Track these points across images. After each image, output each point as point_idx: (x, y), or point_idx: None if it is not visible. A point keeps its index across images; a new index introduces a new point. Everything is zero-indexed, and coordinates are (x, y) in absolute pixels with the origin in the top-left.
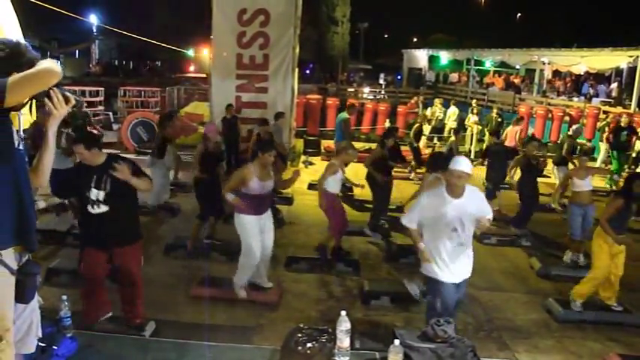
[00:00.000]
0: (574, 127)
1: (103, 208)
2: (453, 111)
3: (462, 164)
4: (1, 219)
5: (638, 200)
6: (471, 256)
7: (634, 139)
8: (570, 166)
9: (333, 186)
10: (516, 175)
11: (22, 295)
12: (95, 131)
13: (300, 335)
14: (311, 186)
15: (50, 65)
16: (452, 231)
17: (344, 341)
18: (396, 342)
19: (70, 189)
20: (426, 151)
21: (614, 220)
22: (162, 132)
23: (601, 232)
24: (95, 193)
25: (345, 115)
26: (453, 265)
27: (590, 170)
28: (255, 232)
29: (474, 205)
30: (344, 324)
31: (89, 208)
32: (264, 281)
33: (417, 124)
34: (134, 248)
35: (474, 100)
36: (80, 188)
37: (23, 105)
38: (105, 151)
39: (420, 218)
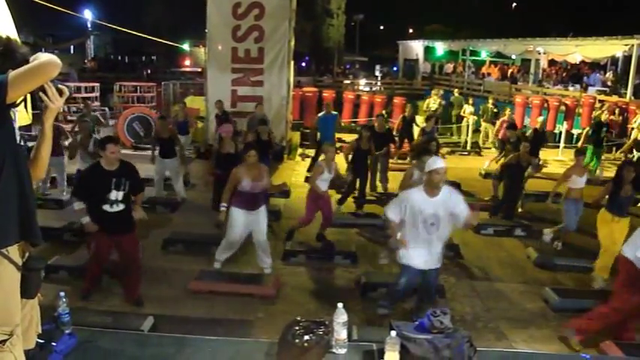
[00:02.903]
0: (539, 118)
1: (121, 207)
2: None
3: (437, 162)
4: (8, 215)
5: (629, 183)
6: (440, 250)
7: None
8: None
9: (320, 185)
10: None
11: (27, 291)
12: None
13: (297, 328)
14: (307, 179)
15: (50, 58)
16: (430, 225)
17: (341, 333)
18: (393, 333)
19: (89, 192)
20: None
21: (614, 205)
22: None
23: (601, 213)
24: (115, 194)
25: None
26: (424, 253)
27: (584, 169)
28: (237, 224)
29: (450, 202)
30: (341, 316)
31: (107, 207)
32: (265, 267)
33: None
34: (134, 235)
35: (456, 90)
36: (98, 191)
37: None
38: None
39: (401, 213)
